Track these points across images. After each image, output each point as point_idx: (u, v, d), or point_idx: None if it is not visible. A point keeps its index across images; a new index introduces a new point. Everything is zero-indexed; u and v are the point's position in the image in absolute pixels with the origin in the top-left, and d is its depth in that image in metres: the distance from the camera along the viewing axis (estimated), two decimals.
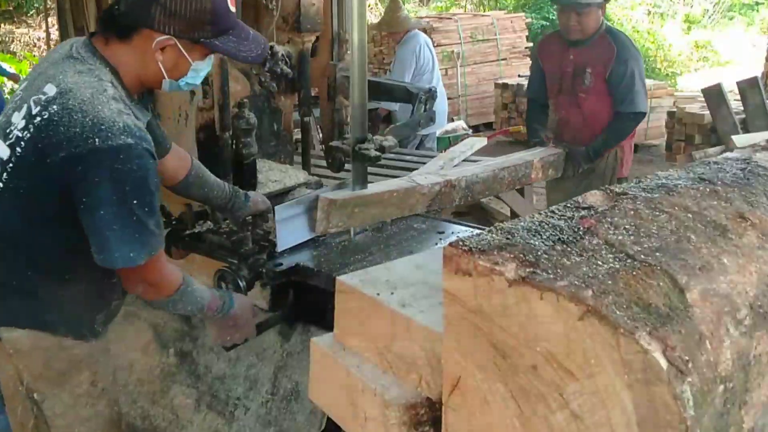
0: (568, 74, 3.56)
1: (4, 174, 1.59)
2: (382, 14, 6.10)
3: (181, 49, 1.63)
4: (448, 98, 9.14)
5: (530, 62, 4.23)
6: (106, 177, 1.49)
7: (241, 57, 1.70)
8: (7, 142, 1.58)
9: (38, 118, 1.53)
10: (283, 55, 2.52)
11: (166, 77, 1.67)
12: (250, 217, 2.16)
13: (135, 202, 1.51)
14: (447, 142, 5.92)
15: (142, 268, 1.59)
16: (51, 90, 1.55)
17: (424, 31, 8.87)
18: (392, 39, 5.65)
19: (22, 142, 1.56)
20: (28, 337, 1.68)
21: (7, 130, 1.59)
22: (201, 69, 1.72)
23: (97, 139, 1.47)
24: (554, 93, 3.69)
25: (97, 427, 1.82)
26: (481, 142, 3.72)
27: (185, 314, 1.81)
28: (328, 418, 1.96)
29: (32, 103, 1.56)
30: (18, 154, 1.57)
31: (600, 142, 3.48)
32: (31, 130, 1.54)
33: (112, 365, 1.89)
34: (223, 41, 1.66)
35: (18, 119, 1.57)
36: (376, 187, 2.25)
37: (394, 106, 4.86)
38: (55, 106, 1.52)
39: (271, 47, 2.49)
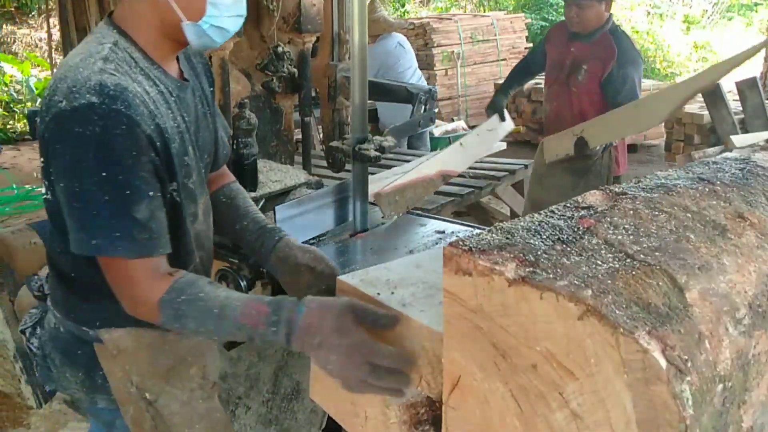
0: (565, 66, 3.55)
1: None
2: None
3: None
4: (448, 99, 9.16)
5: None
6: (67, 143, 1.25)
7: None
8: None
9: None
10: (289, 55, 2.53)
11: (185, 19, 1.39)
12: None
13: (104, 174, 1.24)
14: (447, 142, 5.92)
15: (117, 266, 1.31)
16: None
17: (425, 30, 8.88)
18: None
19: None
20: (129, 335, 1.50)
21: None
22: (220, 1, 1.41)
23: (64, 101, 1.26)
24: (550, 82, 3.68)
25: (216, 422, 1.60)
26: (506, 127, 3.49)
27: (214, 337, 1.47)
28: (329, 417, 1.97)
29: None
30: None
31: None
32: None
33: (218, 359, 1.68)
34: None
35: None
36: (413, 173, 2.45)
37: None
38: (51, 81, 1.37)
39: (277, 47, 2.50)
